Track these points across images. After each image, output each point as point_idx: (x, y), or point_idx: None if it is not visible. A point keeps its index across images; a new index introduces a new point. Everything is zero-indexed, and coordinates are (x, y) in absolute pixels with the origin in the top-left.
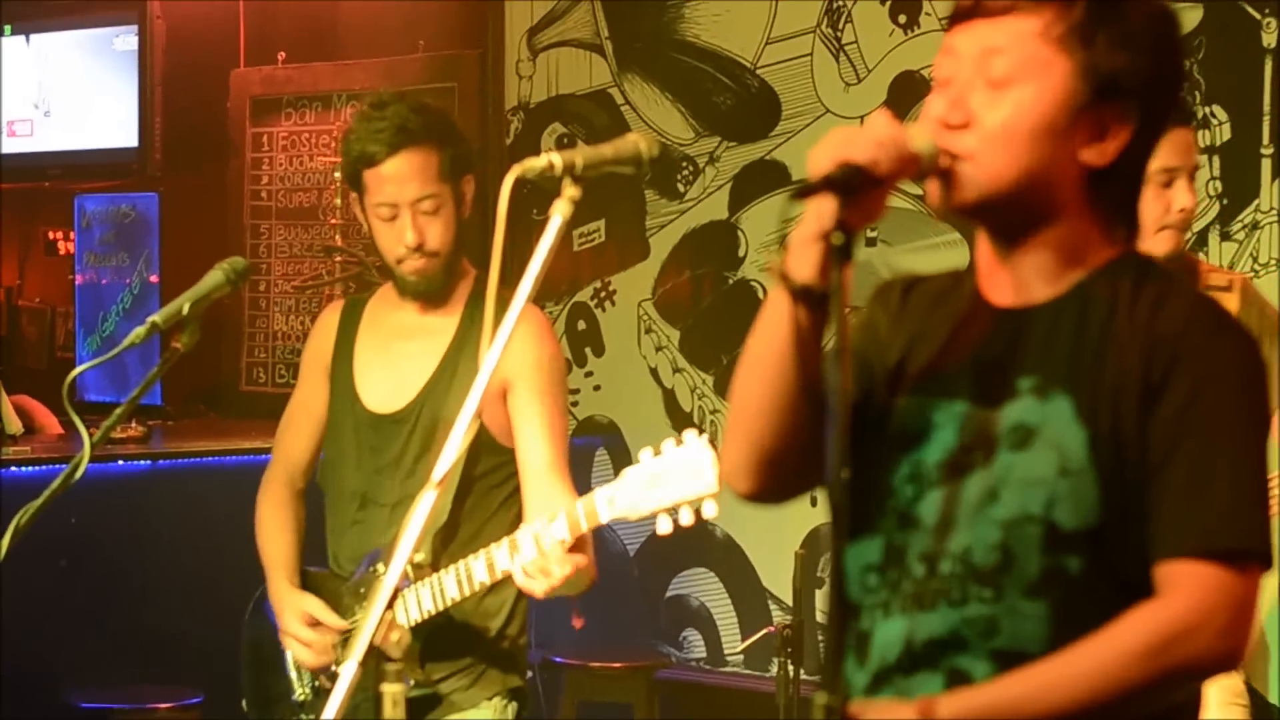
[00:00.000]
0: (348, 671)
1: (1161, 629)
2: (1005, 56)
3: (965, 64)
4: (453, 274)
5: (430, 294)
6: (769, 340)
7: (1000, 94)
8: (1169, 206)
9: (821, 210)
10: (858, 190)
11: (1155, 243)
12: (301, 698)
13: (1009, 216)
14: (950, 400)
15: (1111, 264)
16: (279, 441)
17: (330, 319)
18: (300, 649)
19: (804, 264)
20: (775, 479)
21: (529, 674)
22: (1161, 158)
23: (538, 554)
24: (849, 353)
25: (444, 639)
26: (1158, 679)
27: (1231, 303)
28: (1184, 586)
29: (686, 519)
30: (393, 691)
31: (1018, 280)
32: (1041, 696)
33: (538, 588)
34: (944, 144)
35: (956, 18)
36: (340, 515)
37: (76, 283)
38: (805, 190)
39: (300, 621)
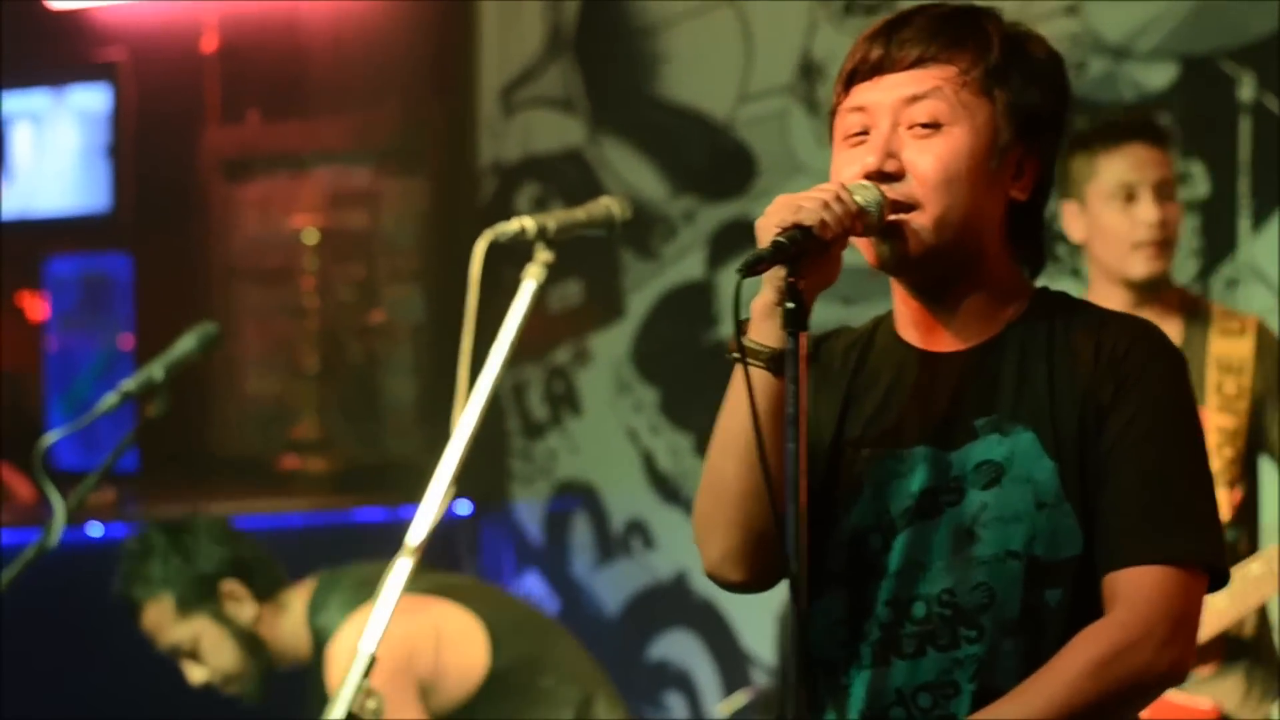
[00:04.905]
0: None
1: (1103, 645)
2: (928, 102)
3: (882, 115)
4: None
5: None
6: (741, 416)
7: (929, 140)
8: (1135, 221)
9: (775, 277)
10: (807, 254)
11: (1132, 262)
12: None
13: (951, 261)
14: (907, 448)
15: (1035, 300)
16: None
17: None
18: None
19: (767, 332)
20: (768, 562)
21: None
22: (1118, 172)
23: None
24: (805, 415)
25: None
26: (1107, 697)
27: (1245, 347)
28: (1126, 599)
29: None
30: None
31: (952, 325)
32: None
33: None
34: (888, 195)
35: (860, 75)
36: None
37: (48, 348)
38: (753, 264)
39: None
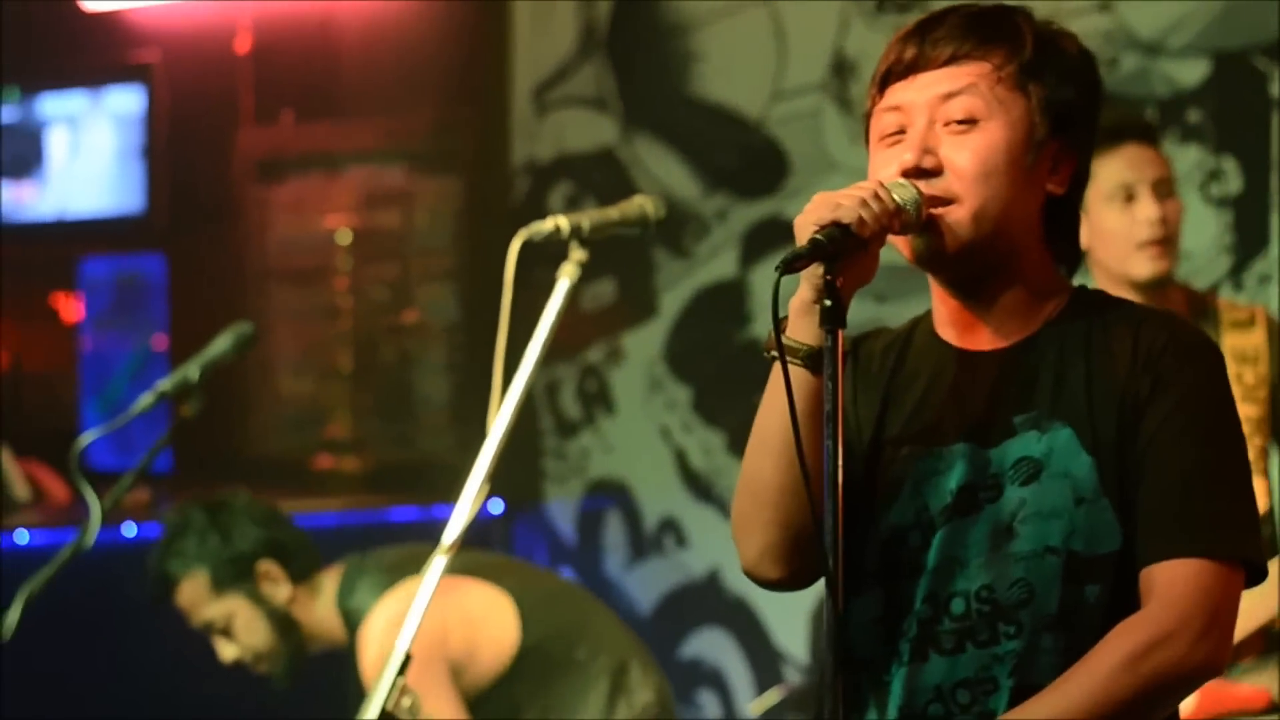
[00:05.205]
0: None
1: (1139, 640)
2: (964, 98)
3: (918, 114)
4: None
5: None
6: (779, 415)
7: (966, 135)
8: (1136, 220)
9: (813, 275)
10: (845, 251)
11: (1136, 263)
12: None
13: (989, 257)
14: (946, 446)
15: (1073, 297)
16: None
17: None
18: None
19: (805, 330)
20: (806, 559)
21: None
22: (1115, 173)
23: None
24: (843, 412)
25: None
26: (1142, 691)
27: (1257, 337)
28: (1161, 593)
29: None
30: None
31: (990, 323)
32: None
33: None
34: (926, 191)
35: (895, 75)
36: None
37: (82, 349)
38: (792, 262)
39: None
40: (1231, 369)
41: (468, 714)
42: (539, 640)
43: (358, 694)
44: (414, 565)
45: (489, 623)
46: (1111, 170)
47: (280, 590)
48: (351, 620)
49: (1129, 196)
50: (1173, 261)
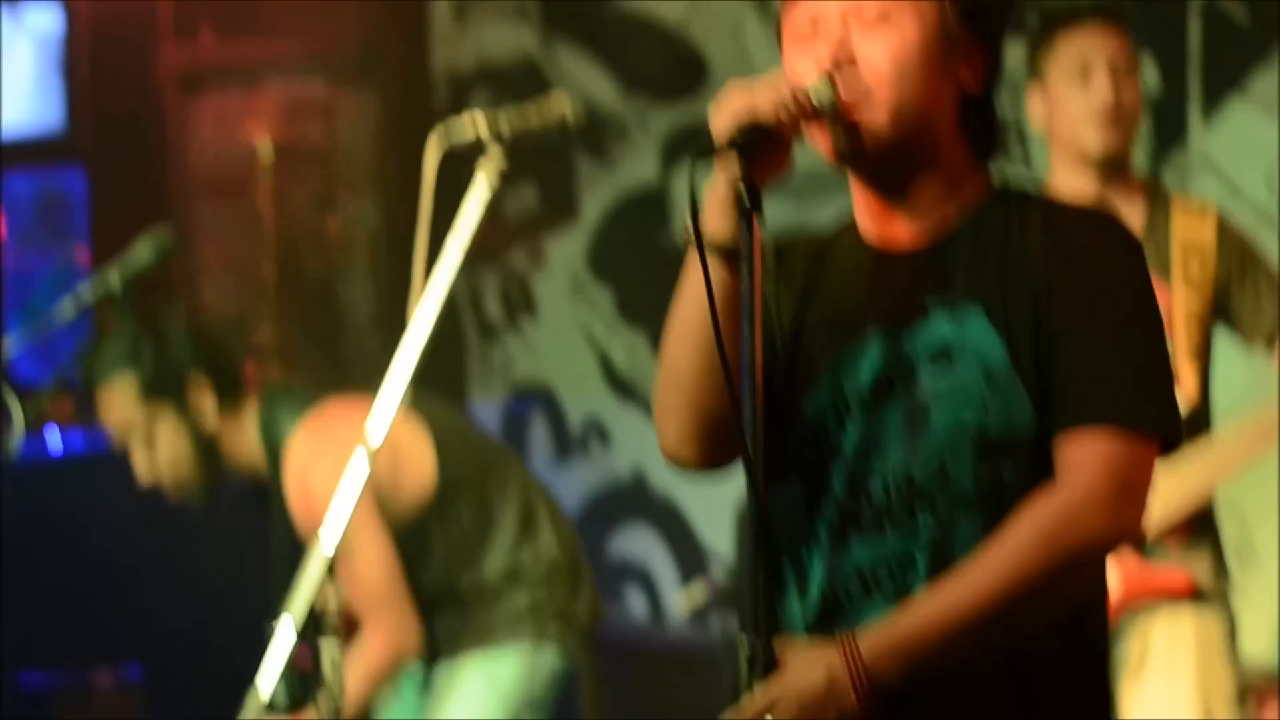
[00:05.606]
0: (285, 630)
1: (1050, 514)
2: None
3: (831, 11)
4: None
5: None
6: (696, 304)
7: (879, 33)
8: (1091, 95)
9: (729, 169)
10: (763, 151)
11: (1091, 136)
12: None
13: (906, 152)
14: (861, 333)
15: (995, 193)
16: None
17: None
18: None
19: (720, 225)
20: (722, 443)
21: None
22: (1076, 51)
23: None
24: (761, 305)
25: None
26: (1055, 565)
27: (1207, 230)
28: (1073, 465)
29: None
30: (331, 650)
31: (909, 215)
32: (950, 609)
33: None
34: (843, 89)
35: None
36: None
37: (4, 266)
38: (709, 152)
39: None
40: (1179, 259)
41: (393, 550)
42: (455, 474)
43: (282, 520)
44: (331, 389)
45: (411, 450)
46: (1072, 48)
47: (207, 409)
48: (273, 447)
49: (1087, 73)
50: (1128, 140)
